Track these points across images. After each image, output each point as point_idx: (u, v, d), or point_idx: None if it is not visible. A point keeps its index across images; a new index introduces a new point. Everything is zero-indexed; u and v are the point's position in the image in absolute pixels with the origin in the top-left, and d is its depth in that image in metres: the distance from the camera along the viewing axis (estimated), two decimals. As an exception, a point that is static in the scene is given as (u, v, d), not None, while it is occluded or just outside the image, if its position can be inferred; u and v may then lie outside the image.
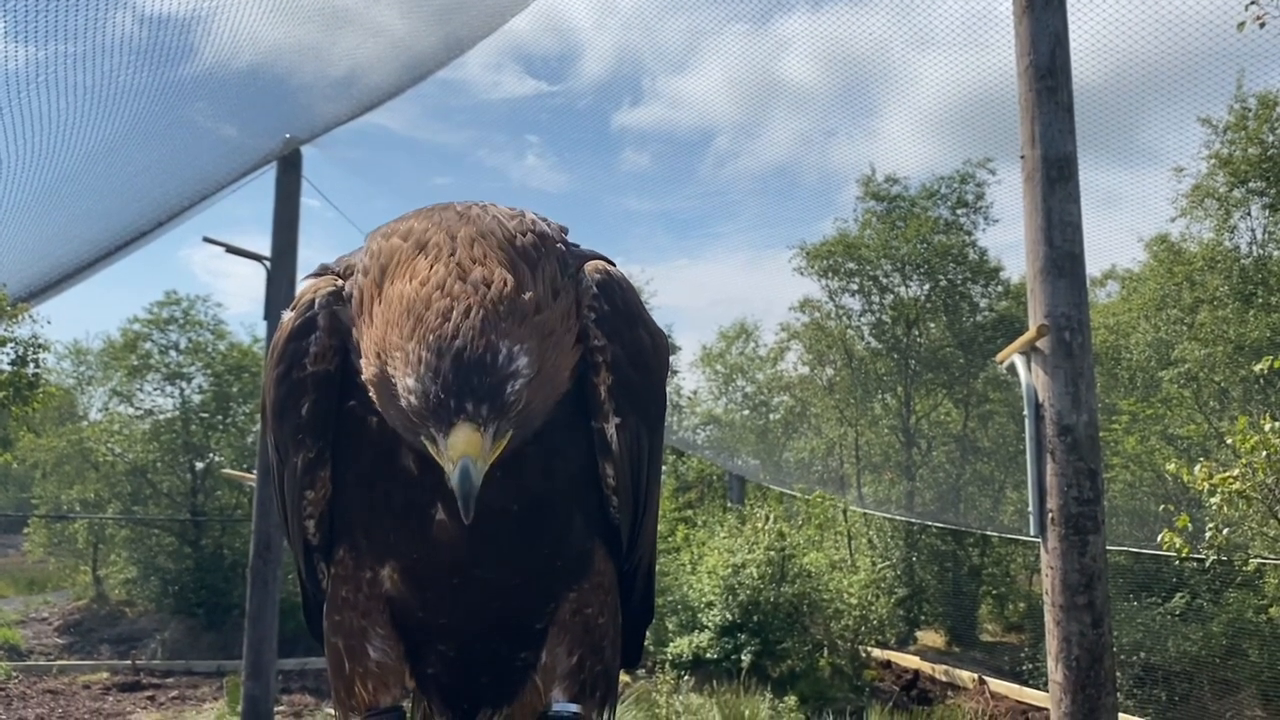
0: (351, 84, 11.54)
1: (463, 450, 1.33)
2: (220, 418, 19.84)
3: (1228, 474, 7.00)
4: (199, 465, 19.81)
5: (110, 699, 13.15)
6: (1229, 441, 8.19)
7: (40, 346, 11.17)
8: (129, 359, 19.87)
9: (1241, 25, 6.57)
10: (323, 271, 1.67)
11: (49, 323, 12.06)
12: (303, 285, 1.67)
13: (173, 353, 20.08)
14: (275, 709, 11.88)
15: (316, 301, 1.59)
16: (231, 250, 12.01)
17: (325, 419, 1.59)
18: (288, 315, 1.63)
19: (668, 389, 1.81)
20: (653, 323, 1.70)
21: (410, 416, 1.36)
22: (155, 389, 20.29)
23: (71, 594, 21.51)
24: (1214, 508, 7.30)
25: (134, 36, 7.93)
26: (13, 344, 10.86)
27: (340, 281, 1.61)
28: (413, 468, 1.55)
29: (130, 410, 20.63)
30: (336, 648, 1.73)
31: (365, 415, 1.55)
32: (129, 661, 15.31)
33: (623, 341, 1.61)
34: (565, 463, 1.62)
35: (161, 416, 20.20)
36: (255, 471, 12.28)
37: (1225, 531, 7.60)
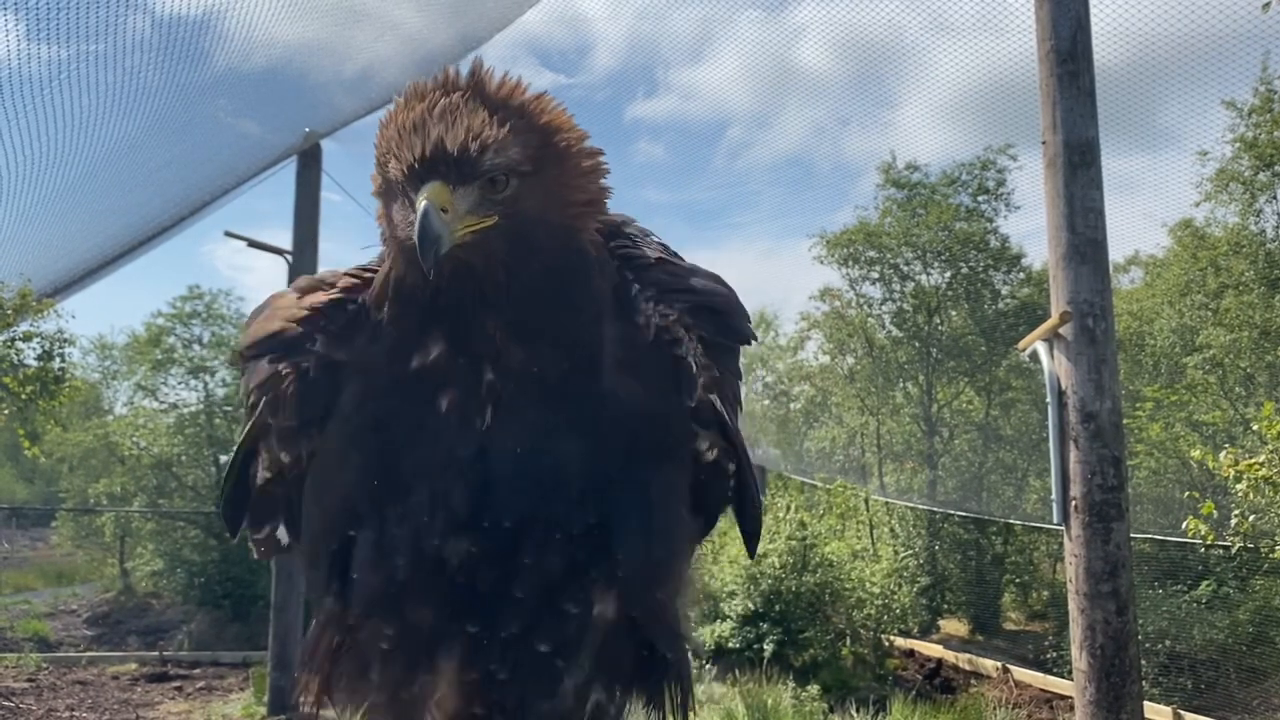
0: (369, 79, 11.57)
1: (427, 196, 1.39)
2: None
3: (1254, 460, 6.94)
4: (223, 458, 19.92)
5: (138, 689, 13.28)
6: (1255, 427, 8.11)
7: (65, 341, 11.24)
8: (153, 353, 20.01)
9: (1267, 6, 6.47)
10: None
11: (74, 318, 12.15)
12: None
13: (196, 347, 20.24)
14: (301, 699, 11.96)
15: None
16: (253, 244, 12.06)
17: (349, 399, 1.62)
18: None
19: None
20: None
21: (396, 188, 1.50)
22: (179, 383, 20.45)
23: (99, 586, 21.73)
24: (1240, 494, 7.23)
25: (154, 35, 7.99)
26: (38, 339, 10.94)
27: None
28: (442, 404, 1.49)
29: (155, 404, 20.80)
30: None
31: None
32: (156, 653, 15.47)
33: (687, 292, 1.63)
34: (578, 418, 1.48)
35: (185, 410, 20.34)
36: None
37: (1251, 518, 7.53)
